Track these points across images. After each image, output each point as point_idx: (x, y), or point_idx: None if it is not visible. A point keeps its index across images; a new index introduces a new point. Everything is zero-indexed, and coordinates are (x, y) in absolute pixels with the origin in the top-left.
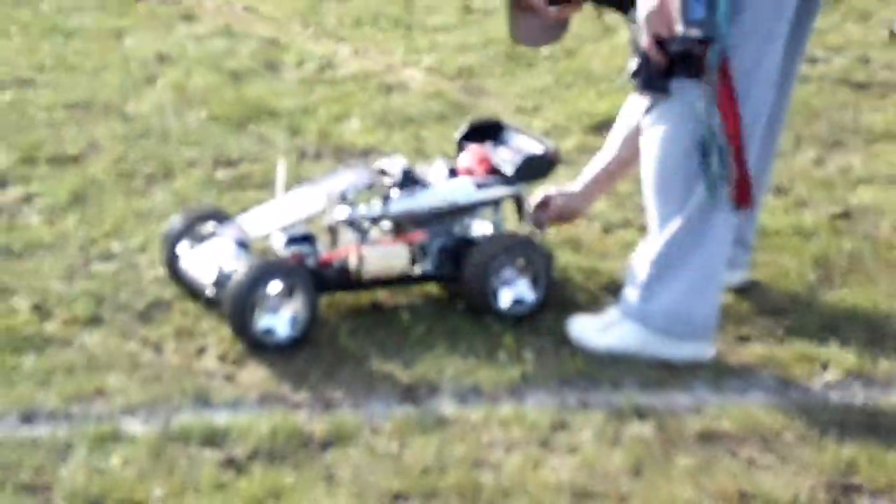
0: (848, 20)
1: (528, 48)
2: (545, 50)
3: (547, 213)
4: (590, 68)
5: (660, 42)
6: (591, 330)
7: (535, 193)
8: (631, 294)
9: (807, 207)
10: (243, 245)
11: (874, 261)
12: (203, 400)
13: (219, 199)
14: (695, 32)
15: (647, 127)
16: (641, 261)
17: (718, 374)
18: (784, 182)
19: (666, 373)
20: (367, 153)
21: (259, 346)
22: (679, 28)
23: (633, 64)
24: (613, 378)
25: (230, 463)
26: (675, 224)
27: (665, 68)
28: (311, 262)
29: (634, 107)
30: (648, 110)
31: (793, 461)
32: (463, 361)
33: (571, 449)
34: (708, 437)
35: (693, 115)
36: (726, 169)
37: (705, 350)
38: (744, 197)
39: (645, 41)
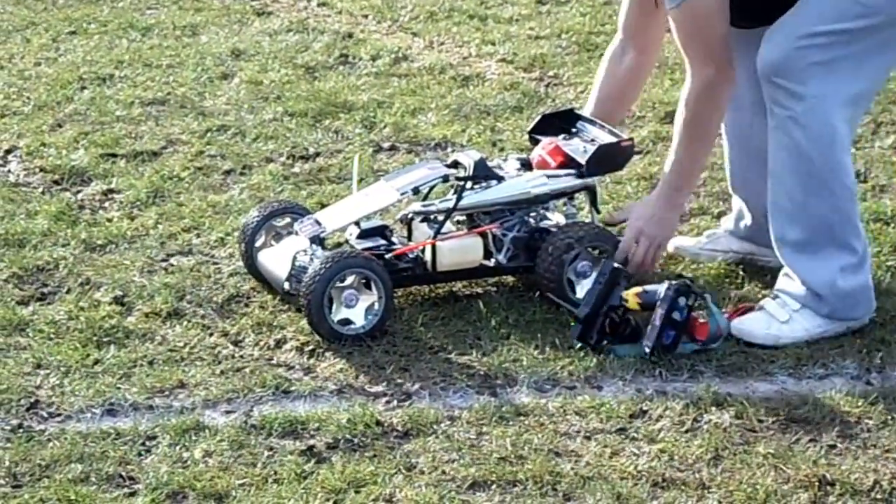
0: None
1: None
2: None
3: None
4: (663, 57)
5: None
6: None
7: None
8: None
9: (886, 193)
10: (319, 239)
11: None
12: (283, 391)
13: (295, 193)
14: None
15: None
16: None
17: (798, 360)
18: (862, 168)
19: (744, 360)
20: (442, 146)
21: (336, 339)
22: None
23: None
24: (691, 366)
25: (310, 453)
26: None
27: None
28: (386, 255)
29: None
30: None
31: (874, 447)
32: (539, 351)
33: (650, 437)
34: (788, 424)
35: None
36: None
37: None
38: None
39: None
